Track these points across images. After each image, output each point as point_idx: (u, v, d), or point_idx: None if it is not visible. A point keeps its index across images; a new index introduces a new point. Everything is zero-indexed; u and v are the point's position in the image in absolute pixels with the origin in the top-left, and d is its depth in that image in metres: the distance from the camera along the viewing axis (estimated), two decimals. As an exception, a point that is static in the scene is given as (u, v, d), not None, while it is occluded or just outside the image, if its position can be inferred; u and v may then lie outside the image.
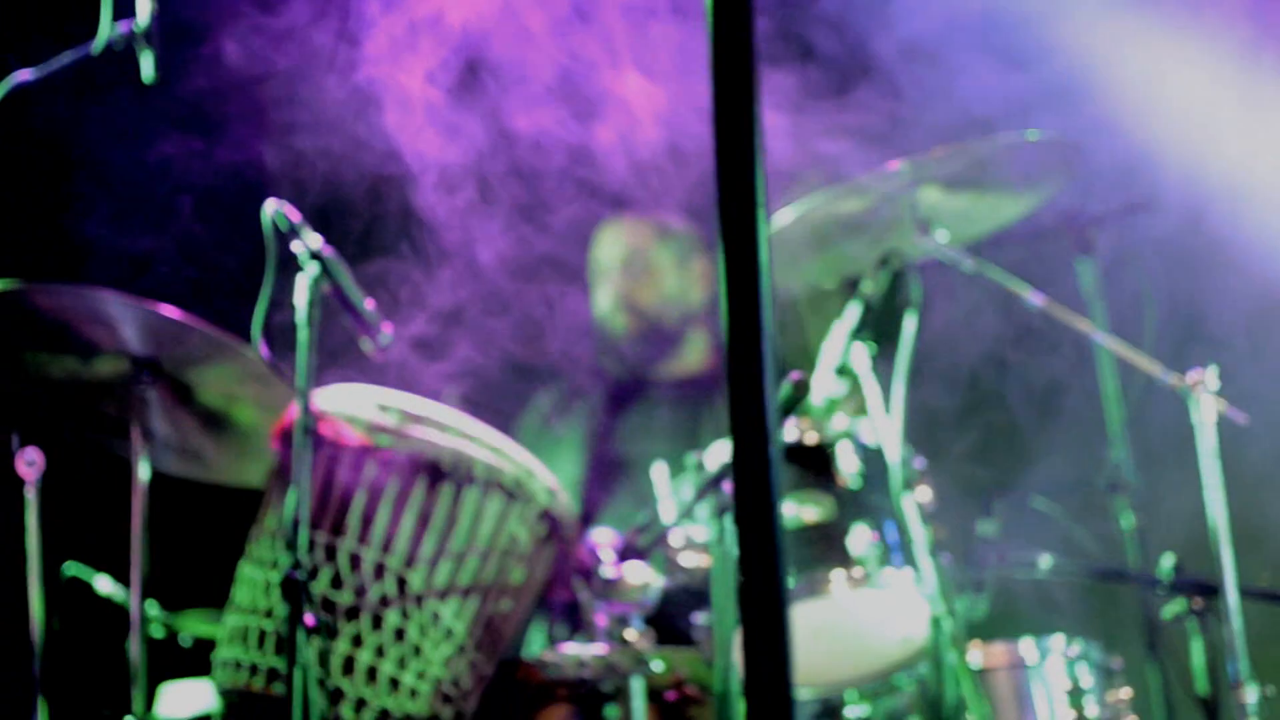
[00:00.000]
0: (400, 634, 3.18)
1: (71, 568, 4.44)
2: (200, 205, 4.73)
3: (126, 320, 3.68)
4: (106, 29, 4.04)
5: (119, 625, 4.04)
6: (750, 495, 1.42)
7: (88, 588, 4.49)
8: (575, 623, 3.42)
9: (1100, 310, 4.60)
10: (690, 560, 3.34)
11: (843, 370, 3.54)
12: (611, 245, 4.92)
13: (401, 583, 3.20)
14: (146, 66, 4.06)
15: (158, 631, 4.49)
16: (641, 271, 4.85)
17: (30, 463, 4.04)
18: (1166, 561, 3.87)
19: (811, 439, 3.43)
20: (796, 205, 3.68)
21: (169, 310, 3.66)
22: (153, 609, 4.39)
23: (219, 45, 4.64)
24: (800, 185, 3.90)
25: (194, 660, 4.49)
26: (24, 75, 4.10)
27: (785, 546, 1.42)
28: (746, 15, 1.28)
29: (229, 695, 3.28)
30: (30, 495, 4.02)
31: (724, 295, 1.41)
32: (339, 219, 4.72)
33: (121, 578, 4.38)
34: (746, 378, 1.41)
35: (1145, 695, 4.15)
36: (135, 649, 3.73)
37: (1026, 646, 3.78)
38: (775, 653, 1.41)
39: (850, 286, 4.24)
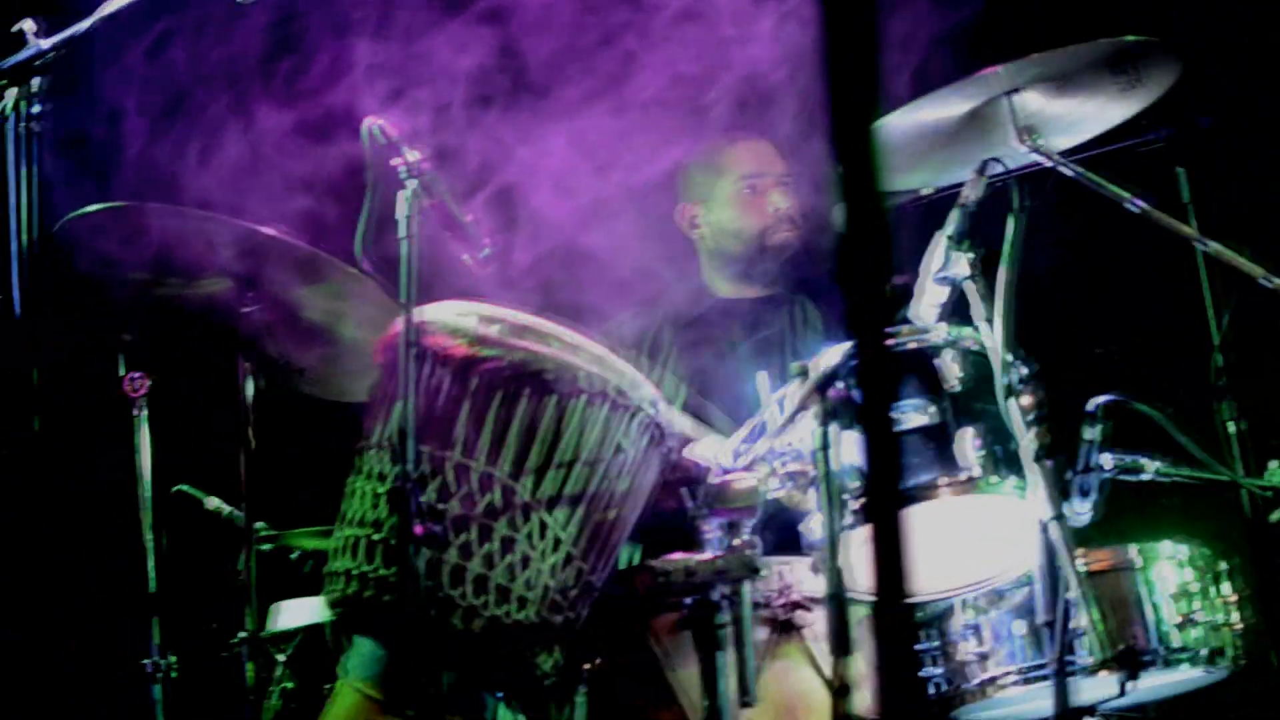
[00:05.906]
0: (508, 543, 3.19)
1: (182, 487, 4.50)
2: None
3: (228, 240, 3.71)
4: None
5: (230, 543, 4.09)
6: (872, 397, 1.41)
7: (198, 506, 4.55)
8: (683, 531, 3.42)
9: (1198, 217, 4.55)
10: (794, 467, 3.33)
11: (944, 276, 3.51)
12: (760, 159, 4.83)
13: (509, 492, 3.21)
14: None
15: (267, 548, 4.54)
16: (788, 185, 4.77)
17: (137, 384, 4.10)
18: (1274, 464, 3.84)
19: (915, 345, 3.40)
20: (895, 111, 3.64)
21: (269, 229, 3.69)
22: (262, 526, 4.44)
23: None
24: None
25: (304, 577, 4.55)
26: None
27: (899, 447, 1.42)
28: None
29: (341, 607, 3.31)
30: (139, 415, 4.09)
31: (841, 201, 1.40)
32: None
33: (231, 496, 4.44)
34: (863, 288, 1.40)
35: (1253, 598, 4.12)
36: (246, 566, 3.78)
37: (1133, 551, 3.76)
38: (895, 552, 1.41)
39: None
